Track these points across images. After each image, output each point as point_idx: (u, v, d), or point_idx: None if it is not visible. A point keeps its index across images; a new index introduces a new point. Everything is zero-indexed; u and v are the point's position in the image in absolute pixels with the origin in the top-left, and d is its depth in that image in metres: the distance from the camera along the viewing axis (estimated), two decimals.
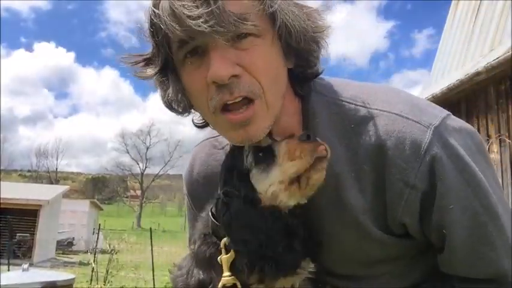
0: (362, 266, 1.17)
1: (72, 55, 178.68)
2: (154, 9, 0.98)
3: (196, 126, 1.24)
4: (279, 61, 1.05)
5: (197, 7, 0.91)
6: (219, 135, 1.33)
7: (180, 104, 1.13)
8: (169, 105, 1.15)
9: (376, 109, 1.06)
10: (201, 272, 1.11)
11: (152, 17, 1.00)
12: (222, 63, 0.95)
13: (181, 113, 1.17)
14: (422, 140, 1.00)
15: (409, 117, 1.03)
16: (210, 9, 0.90)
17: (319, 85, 1.17)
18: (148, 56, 1.08)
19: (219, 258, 1.06)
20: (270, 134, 1.09)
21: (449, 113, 1.08)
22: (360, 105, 1.08)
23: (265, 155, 1.07)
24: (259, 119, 1.01)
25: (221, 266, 1.06)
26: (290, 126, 1.12)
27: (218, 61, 0.95)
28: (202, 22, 0.90)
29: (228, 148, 1.25)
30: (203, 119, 1.20)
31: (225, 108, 1.00)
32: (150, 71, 1.08)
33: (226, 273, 1.05)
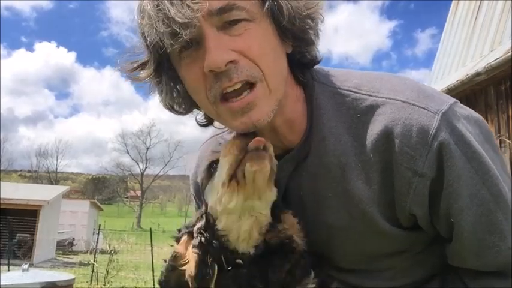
0: (368, 259, 1.14)
1: (73, 55, 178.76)
2: (139, 12, 1.00)
3: (199, 125, 1.23)
4: (275, 44, 1.03)
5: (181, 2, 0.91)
6: (223, 132, 1.33)
7: (181, 104, 1.13)
8: (170, 107, 1.14)
9: (382, 97, 1.04)
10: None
11: (138, 20, 1.00)
12: (217, 51, 0.94)
13: (182, 113, 1.16)
14: (430, 126, 0.97)
15: (415, 104, 1.00)
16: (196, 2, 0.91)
17: (322, 75, 1.15)
18: (143, 60, 1.08)
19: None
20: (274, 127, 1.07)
21: (456, 100, 1.05)
22: (365, 94, 1.06)
23: (215, 167, 1.06)
24: (262, 103, 0.99)
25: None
26: (294, 116, 1.11)
27: (213, 49, 0.94)
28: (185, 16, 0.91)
29: None
30: (206, 116, 1.19)
31: (225, 97, 0.99)
32: (146, 73, 1.07)
33: None
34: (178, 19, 0.91)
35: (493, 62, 6.38)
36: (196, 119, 1.22)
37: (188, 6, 0.91)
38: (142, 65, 1.08)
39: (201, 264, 1.02)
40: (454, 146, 0.96)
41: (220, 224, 1.03)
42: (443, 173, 0.97)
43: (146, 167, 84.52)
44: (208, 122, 1.21)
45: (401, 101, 1.01)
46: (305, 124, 1.11)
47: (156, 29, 0.94)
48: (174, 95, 1.11)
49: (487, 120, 7.29)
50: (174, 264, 1.07)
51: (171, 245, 1.12)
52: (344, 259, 1.16)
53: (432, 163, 0.97)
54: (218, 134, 1.35)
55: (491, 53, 7.16)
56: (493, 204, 0.99)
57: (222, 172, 1.01)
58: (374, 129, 1.02)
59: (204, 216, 1.08)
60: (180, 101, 1.13)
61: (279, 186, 1.12)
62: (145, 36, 0.99)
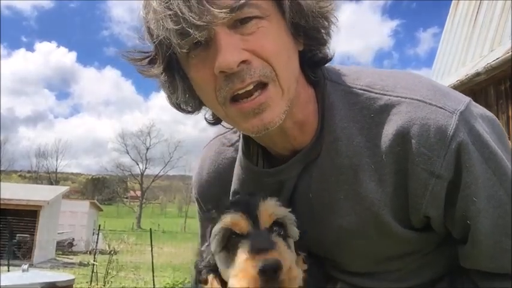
0: (377, 262, 1.12)
1: (73, 55, 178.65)
2: (144, 6, 0.96)
3: (208, 123, 1.20)
4: (288, 42, 1.00)
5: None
6: (227, 132, 1.30)
7: (188, 103, 1.10)
8: (177, 106, 1.11)
9: (397, 96, 1.00)
10: None
11: (145, 17, 0.97)
12: (229, 51, 0.90)
13: (190, 113, 1.13)
14: (448, 126, 0.94)
15: (432, 103, 0.97)
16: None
17: (333, 73, 1.12)
18: (151, 56, 1.04)
19: None
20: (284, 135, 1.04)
21: (470, 98, 1.02)
22: (379, 93, 1.03)
23: (233, 243, 0.98)
24: (274, 104, 0.95)
25: None
26: (305, 117, 1.07)
27: (225, 49, 0.90)
28: (195, 16, 0.87)
29: (237, 145, 1.22)
30: (214, 115, 1.15)
31: (235, 98, 0.95)
32: (155, 70, 1.03)
33: None
34: (194, 20, 0.87)
35: (493, 62, 6.38)
36: (205, 117, 1.19)
37: (208, 10, 0.87)
38: (151, 61, 1.03)
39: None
40: (472, 147, 0.94)
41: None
42: (461, 174, 0.94)
43: (146, 167, 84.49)
44: (216, 120, 1.18)
45: (418, 100, 0.98)
46: (316, 124, 1.08)
47: (162, 25, 0.90)
48: (182, 93, 1.06)
49: None
50: None
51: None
52: (352, 262, 1.14)
53: (450, 164, 0.94)
54: (221, 134, 1.32)
55: (491, 53, 7.16)
56: (510, 206, 0.96)
57: (232, 283, 0.94)
58: (389, 129, 0.99)
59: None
60: (188, 100, 1.09)
61: (286, 187, 1.10)
62: (151, 32, 0.96)
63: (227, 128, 1.28)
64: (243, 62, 0.91)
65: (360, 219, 1.04)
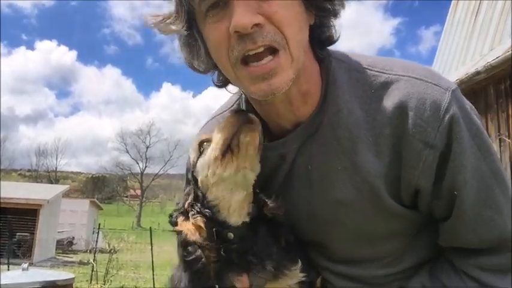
0: (365, 243, 1.17)
1: (74, 53, 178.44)
2: None
3: (216, 85, 1.24)
4: (301, 13, 1.04)
5: None
6: (224, 111, 1.34)
7: (201, 62, 1.14)
8: (191, 65, 1.16)
9: (396, 74, 1.08)
10: (186, 278, 1.11)
11: None
12: (245, 12, 0.95)
13: (201, 72, 1.18)
14: (442, 101, 1.03)
15: (428, 81, 1.06)
16: None
17: (338, 54, 1.18)
18: (172, 14, 1.07)
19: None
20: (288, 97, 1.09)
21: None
22: (379, 72, 1.10)
23: (206, 145, 1.12)
24: (283, 70, 1.00)
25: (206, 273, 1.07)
26: (309, 88, 1.12)
27: (240, 10, 0.95)
28: None
29: None
30: (222, 77, 1.20)
31: (246, 60, 1.00)
32: (175, 27, 1.07)
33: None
34: None
35: (493, 61, 6.38)
36: (212, 80, 1.24)
37: None
38: (172, 19, 1.08)
39: (208, 224, 1.06)
40: (462, 121, 1.03)
41: (211, 196, 1.08)
42: (452, 145, 1.02)
43: (146, 166, 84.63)
44: (223, 84, 1.23)
45: (415, 77, 1.06)
46: (318, 97, 1.13)
47: None
48: (197, 52, 1.12)
49: (486, 119, 7.29)
50: (186, 242, 1.08)
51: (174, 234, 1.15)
52: (341, 243, 1.18)
53: (443, 135, 1.02)
54: (219, 114, 1.36)
55: (491, 52, 7.16)
56: (492, 179, 1.05)
57: (217, 145, 1.05)
58: (388, 103, 1.06)
59: (192, 191, 1.13)
60: (202, 59, 1.13)
61: (286, 161, 1.16)
62: None
63: (223, 109, 1.34)
64: (257, 25, 0.96)
65: (356, 190, 1.10)
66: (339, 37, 1.14)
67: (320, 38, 1.13)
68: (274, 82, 1.00)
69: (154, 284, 14.31)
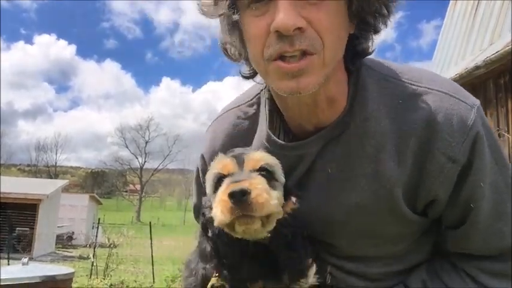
0: (374, 244, 1.20)
1: (73, 47, 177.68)
2: None
3: (243, 77, 1.24)
4: (343, 22, 1.04)
5: None
6: (241, 105, 1.33)
7: (236, 50, 1.14)
8: (225, 50, 1.17)
9: (424, 87, 1.10)
10: (203, 266, 1.13)
11: None
12: (290, 13, 0.94)
13: (233, 60, 1.18)
14: (468, 117, 1.06)
15: (455, 96, 1.09)
16: None
17: (369, 61, 1.19)
18: None
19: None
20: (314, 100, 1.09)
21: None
22: (408, 82, 1.12)
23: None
24: (313, 72, 1.00)
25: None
26: (336, 95, 1.13)
27: (286, 10, 0.94)
28: None
29: (254, 118, 1.28)
30: (251, 69, 1.20)
31: (280, 58, 0.99)
32: (219, 10, 1.06)
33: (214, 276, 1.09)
34: None
35: (492, 56, 6.38)
36: (240, 71, 1.24)
37: None
38: (215, 2, 1.07)
39: None
40: (484, 138, 1.07)
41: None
42: (474, 160, 1.06)
43: (145, 161, 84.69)
44: (251, 75, 1.23)
45: (443, 92, 1.09)
46: (345, 103, 1.14)
47: None
48: (235, 39, 1.11)
49: (486, 114, 7.30)
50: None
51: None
52: (350, 243, 1.20)
53: (466, 151, 1.05)
54: (236, 107, 1.35)
55: (491, 46, 7.15)
56: (506, 194, 1.11)
57: (219, 220, 1.01)
58: (415, 115, 1.08)
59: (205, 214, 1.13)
60: (237, 47, 1.13)
61: (304, 162, 1.17)
62: None
63: (241, 102, 1.34)
64: (299, 28, 0.95)
65: (374, 196, 1.12)
66: (374, 50, 1.14)
67: (356, 49, 1.13)
68: (303, 81, 1.00)
69: (154, 278, 14.34)
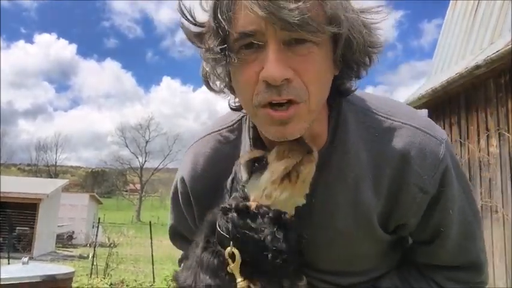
0: (352, 261, 1.30)
1: (73, 47, 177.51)
2: None
3: (231, 108, 1.28)
4: (329, 69, 1.08)
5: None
6: (221, 130, 1.35)
7: (220, 85, 1.17)
8: (206, 82, 1.19)
9: (399, 121, 1.19)
10: (208, 278, 1.12)
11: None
12: (278, 66, 0.97)
13: (214, 91, 1.20)
14: (439, 152, 1.16)
15: (426, 131, 1.18)
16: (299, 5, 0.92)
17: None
18: (204, 30, 1.08)
19: (228, 268, 1.08)
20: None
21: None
22: (384, 116, 1.20)
23: (260, 164, 1.14)
24: (299, 120, 1.04)
25: (231, 274, 1.09)
26: (319, 132, 1.20)
27: (275, 62, 0.97)
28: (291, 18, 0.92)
29: (236, 143, 1.31)
30: (239, 103, 1.22)
31: (268, 105, 1.02)
32: (208, 43, 1.06)
33: (239, 279, 1.08)
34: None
35: (493, 55, 6.37)
36: (229, 103, 1.27)
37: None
38: (208, 36, 1.07)
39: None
40: (453, 170, 1.18)
41: None
42: (442, 191, 1.17)
43: (145, 161, 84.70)
44: (239, 108, 1.26)
45: (415, 127, 1.18)
46: (325, 137, 1.20)
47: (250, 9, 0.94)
48: (219, 75, 1.14)
49: (486, 114, 7.29)
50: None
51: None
52: (328, 262, 1.29)
53: (436, 183, 1.16)
54: (215, 132, 1.36)
55: (491, 46, 7.14)
56: (471, 217, 1.24)
57: (277, 171, 1.09)
58: (391, 148, 1.17)
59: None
60: (221, 83, 1.17)
61: None
62: (221, 9, 1.00)
63: (221, 126, 1.36)
64: (286, 79, 0.98)
65: (354, 222, 1.21)
66: (355, 89, 1.20)
67: (339, 88, 1.17)
68: (290, 128, 1.04)
69: (154, 277, 14.36)
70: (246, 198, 1.13)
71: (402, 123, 1.18)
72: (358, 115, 1.21)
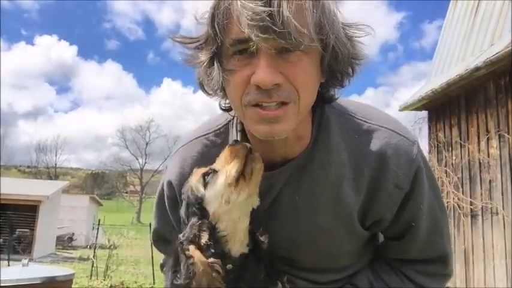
0: (329, 258, 1.37)
1: (74, 48, 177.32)
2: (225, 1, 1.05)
3: (221, 109, 1.32)
4: (317, 76, 1.15)
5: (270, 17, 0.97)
6: (208, 134, 1.39)
7: (213, 88, 1.21)
8: (201, 85, 1.24)
9: (375, 124, 1.29)
10: None
11: (221, 6, 1.05)
12: (269, 71, 1.03)
13: (208, 95, 1.25)
14: (411, 152, 1.27)
15: (400, 134, 1.28)
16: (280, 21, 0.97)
17: None
18: (201, 41, 1.14)
19: None
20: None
21: None
22: (362, 120, 1.30)
23: (210, 175, 1.18)
24: (287, 120, 1.10)
25: None
26: (304, 133, 1.26)
27: (266, 68, 1.03)
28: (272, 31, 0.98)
29: (221, 146, 1.32)
30: (229, 104, 1.27)
31: (258, 105, 1.08)
32: (202, 57, 1.14)
33: None
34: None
35: (493, 57, 6.38)
36: (219, 104, 1.32)
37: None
38: (201, 42, 1.14)
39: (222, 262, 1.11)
40: (423, 168, 1.29)
41: (222, 225, 1.15)
42: (415, 187, 1.27)
43: (146, 162, 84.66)
44: (229, 109, 1.31)
45: (390, 129, 1.28)
46: (309, 138, 1.28)
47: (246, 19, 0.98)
48: (212, 80, 1.18)
49: (486, 115, 7.29)
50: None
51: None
52: (309, 259, 1.36)
53: (410, 179, 1.26)
54: (202, 136, 1.40)
55: (491, 47, 7.15)
56: (439, 212, 1.35)
57: (230, 173, 1.14)
58: (369, 148, 1.26)
59: (206, 225, 1.14)
60: (214, 86, 1.20)
61: (273, 190, 1.29)
62: (217, 22, 1.06)
63: (207, 130, 1.41)
64: (276, 84, 1.05)
65: (335, 219, 1.28)
66: (338, 97, 1.28)
67: (323, 95, 1.25)
68: (277, 127, 1.09)
69: (154, 279, 14.35)
70: (204, 216, 1.15)
71: (379, 125, 1.28)
72: (339, 118, 1.30)
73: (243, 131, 1.32)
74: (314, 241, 1.31)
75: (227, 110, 1.32)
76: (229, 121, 1.38)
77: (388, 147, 1.25)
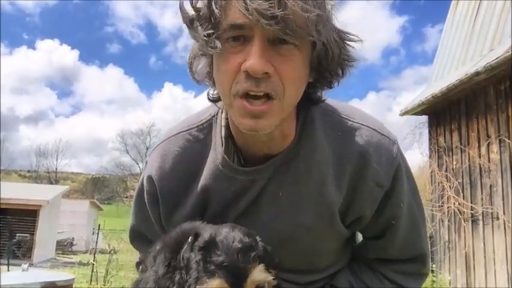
0: (310, 257, 1.37)
1: (76, 53, 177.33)
2: None
3: (209, 100, 1.33)
4: (305, 74, 1.15)
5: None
6: (190, 129, 1.37)
7: (201, 73, 1.23)
8: (190, 68, 1.24)
9: (357, 123, 1.30)
10: None
11: None
12: (261, 59, 1.04)
13: (195, 80, 1.26)
14: (392, 151, 1.29)
15: (382, 133, 1.30)
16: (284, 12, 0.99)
17: None
18: (202, 17, 1.12)
19: None
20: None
21: None
22: (344, 118, 1.31)
23: None
24: (271, 116, 1.11)
25: None
26: (288, 130, 1.26)
27: (258, 56, 1.04)
28: (272, 20, 0.99)
29: (205, 142, 1.33)
30: (216, 92, 1.27)
31: (245, 96, 1.09)
32: (202, 31, 1.11)
33: None
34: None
35: (493, 62, 6.40)
36: (208, 94, 1.32)
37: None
38: (200, 22, 1.12)
39: None
40: (403, 168, 1.31)
41: None
42: (395, 186, 1.29)
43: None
44: (217, 99, 1.31)
45: (372, 128, 1.30)
46: (293, 136, 1.27)
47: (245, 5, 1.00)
48: (203, 64, 1.20)
49: (486, 120, 7.30)
50: None
51: None
52: (291, 258, 1.33)
53: (390, 178, 1.27)
54: (184, 131, 1.37)
55: (491, 52, 7.16)
56: (417, 211, 1.37)
57: None
58: (352, 146, 1.27)
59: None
60: (203, 71, 1.22)
61: (256, 186, 1.27)
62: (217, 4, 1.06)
63: (191, 125, 1.38)
64: (266, 73, 1.06)
65: (318, 216, 1.28)
66: (325, 100, 1.29)
67: (310, 96, 1.25)
68: (261, 123, 1.11)
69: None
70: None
71: (361, 124, 1.29)
72: (323, 116, 1.30)
73: (227, 127, 1.30)
74: (297, 238, 1.30)
75: (215, 100, 1.31)
76: (213, 116, 1.36)
77: (369, 145, 1.26)
